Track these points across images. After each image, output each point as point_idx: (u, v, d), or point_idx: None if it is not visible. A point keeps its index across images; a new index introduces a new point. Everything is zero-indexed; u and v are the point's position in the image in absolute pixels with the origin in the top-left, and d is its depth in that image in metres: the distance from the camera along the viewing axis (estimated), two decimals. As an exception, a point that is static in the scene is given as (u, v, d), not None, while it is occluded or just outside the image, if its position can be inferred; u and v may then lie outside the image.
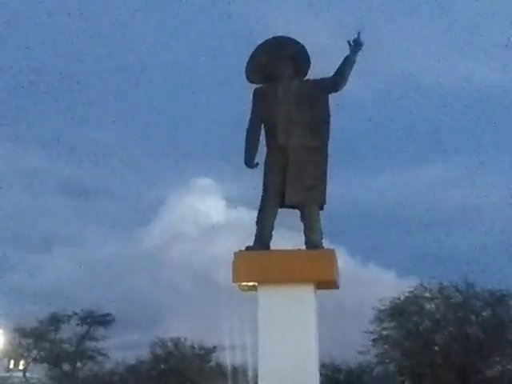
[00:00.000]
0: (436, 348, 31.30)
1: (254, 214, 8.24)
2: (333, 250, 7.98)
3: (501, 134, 59.97)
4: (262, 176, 8.29)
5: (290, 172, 8.12)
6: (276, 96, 8.35)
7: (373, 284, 39.12)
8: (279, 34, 8.71)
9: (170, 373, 36.43)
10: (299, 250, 8.04)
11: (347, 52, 8.25)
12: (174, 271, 49.84)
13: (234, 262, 7.82)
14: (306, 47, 8.57)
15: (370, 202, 55.78)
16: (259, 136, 8.43)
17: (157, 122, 66.26)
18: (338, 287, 8.20)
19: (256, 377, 7.69)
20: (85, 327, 38.74)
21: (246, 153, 8.33)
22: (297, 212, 8.25)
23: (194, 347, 37.83)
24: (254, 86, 8.59)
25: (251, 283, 7.88)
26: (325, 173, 8.19)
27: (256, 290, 7.87)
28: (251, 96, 8.54)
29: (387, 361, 32.93)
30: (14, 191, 59.89)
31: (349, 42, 8.25)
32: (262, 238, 8.10)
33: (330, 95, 8.37)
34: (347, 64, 8.26)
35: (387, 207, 56.26)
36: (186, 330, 38.19)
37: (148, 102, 69.12)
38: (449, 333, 31.05)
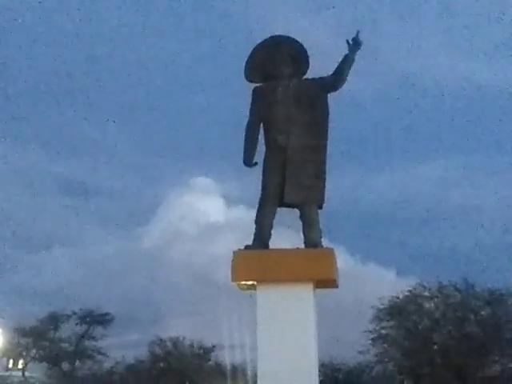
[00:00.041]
0: (435, 347, 31.27)
1: (254, 213, 8.24)
2: (332, 248, 7.98)
3: (501, 134, 60.08)
4: (261, 175, 8.29)
5: (289, 171, 8.11)
6: (275, 95, 8.33)
7: (372, 283, 39.12)
8: (278, 34, 8.71)
9: (169, 372, 36.39)
10: (298, 248, 8.03)
11: (346, 51, 8.25)
12: (174, 270, 49.81)
13: (233, 261, 7.82)
14: (306, 46, 8.57)
15: (369, 202, 55.93)
16: (258, 135, 8.42)
17: (157, 122, 66.36)
18: (337, 286, 8.19)
19: (255, 376, 7.68)
20: (84, 326, 38.75)
21: (245, 152, 8.31)
22: (296, 211, 8.25)
23: (193, 346, 37.77)
24: (253, 85, 8.58)
25: (250, 282, 7.87)
26: (324, 172, 8.19)
27: (255, 288, 7.86)
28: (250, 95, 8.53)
29: (386, 360, 32.87)
30: (13, 191, 59.95)
31: (348, 41, 8.26)
32: (261, 237, 8.10)
33: (329, 95, 8.38)
34: (346, 63, 8.26)
35: (387, 207, 56.33)
36: (185, 329, 38.20)
37: (148, 102, 69.20)
38: (448, 332, 31.02)
